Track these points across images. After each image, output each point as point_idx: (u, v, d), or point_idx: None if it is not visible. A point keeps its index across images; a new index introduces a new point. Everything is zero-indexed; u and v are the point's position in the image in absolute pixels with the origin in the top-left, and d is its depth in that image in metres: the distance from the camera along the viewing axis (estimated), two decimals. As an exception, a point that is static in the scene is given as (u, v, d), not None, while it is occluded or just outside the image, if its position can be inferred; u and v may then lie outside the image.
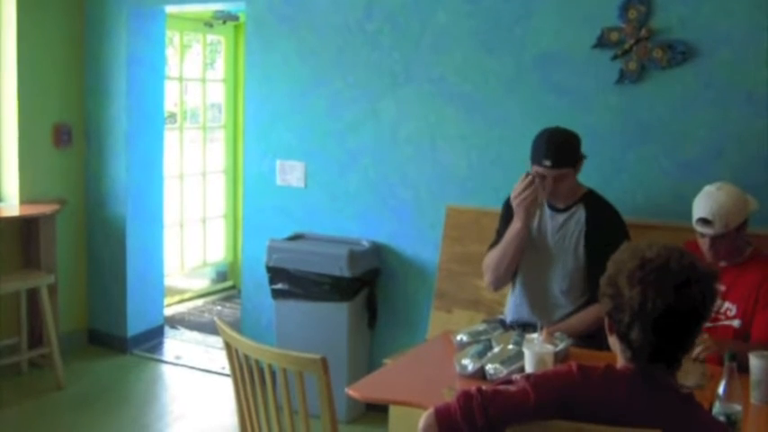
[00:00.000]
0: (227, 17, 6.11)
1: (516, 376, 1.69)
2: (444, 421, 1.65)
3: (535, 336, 2.81)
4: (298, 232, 4.43)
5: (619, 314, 1.69)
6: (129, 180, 5.09)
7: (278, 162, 4.52)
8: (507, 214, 3.33)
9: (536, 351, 2.51)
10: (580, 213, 3.18)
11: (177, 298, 6.21)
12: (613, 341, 1.75)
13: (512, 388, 1.67)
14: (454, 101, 4.00)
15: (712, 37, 3.39)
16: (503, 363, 2.62)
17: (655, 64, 3.50)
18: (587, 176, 3.48)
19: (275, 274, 4.24)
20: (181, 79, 6.04)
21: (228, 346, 2.32)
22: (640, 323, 1.65)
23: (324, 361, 2.03)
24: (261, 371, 2.23)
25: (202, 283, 6.65)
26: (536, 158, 3.11)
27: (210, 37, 6.37)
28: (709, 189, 2.93)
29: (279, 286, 4.24)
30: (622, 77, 3.58)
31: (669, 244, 1.73)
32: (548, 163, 3.06)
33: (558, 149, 3.07)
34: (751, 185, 3.35)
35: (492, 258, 3.28)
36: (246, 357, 2.24)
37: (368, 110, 4.23)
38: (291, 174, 4.49)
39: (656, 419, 1.62)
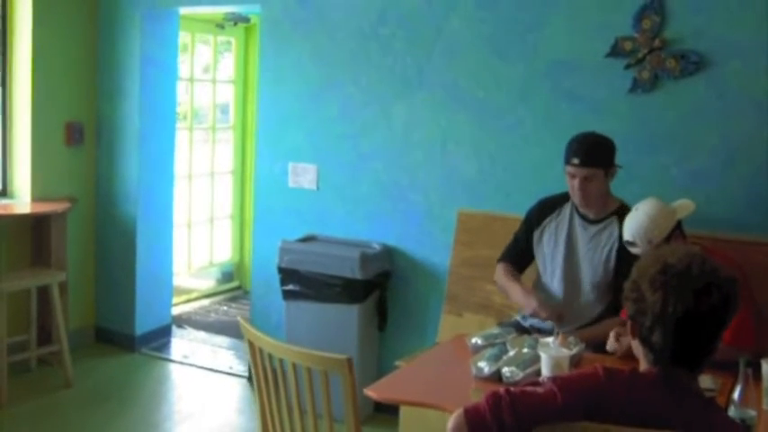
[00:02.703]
0: (238, 19, 6.15)
1: (543, 378, 1.73)
2: (474, 421, 1.69)
3: (550, 340, 2.85)
4: (309, 234, 4.47)
5: (641, 318, 1.73)
6: (140, 179, 5.12)
7: (290, 164, 4.56)
8: (529, 221, 3.39)
9: (552, 355, 2.55)
10: (613, 227, 3.19)
11: (184, 298, 6.24)
12: (636, 345, 1.79)
13: (539, 389, 1.70)
14: (466, 106, 4.04)
15: (725, 48, 3.44)
16: (518, 366, 2.65)
17: (667, 74, 3.54)
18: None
19: (287, 275, 4.27)
20: (192, 80, 6.07)
21: (252, 345, 2.35)
22: (662, 327, 1.69)
23: (350, 361, 2.07)
24: (284, 371, 2.27)
25: (208, 284, 6.68)
26: (566, 158, 3.16)
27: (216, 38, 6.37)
28: (631, 212, 3.00)
29: (290, 287, 4.27)
30: (635, 86, 3.62)
31: (692, 250, 1.77)
32: (576, 161, 3.11)
33: (588, 149, 3.12)
34: (761, 194, 3.42)
35: (500, 284, 3.41)
36: (270, 356, 2.27)
37: (380, 114, 4.27)
38: (303, 176, 4.53)
39: (679, 422, 1.65)
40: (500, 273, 3.40)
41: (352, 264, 4.08)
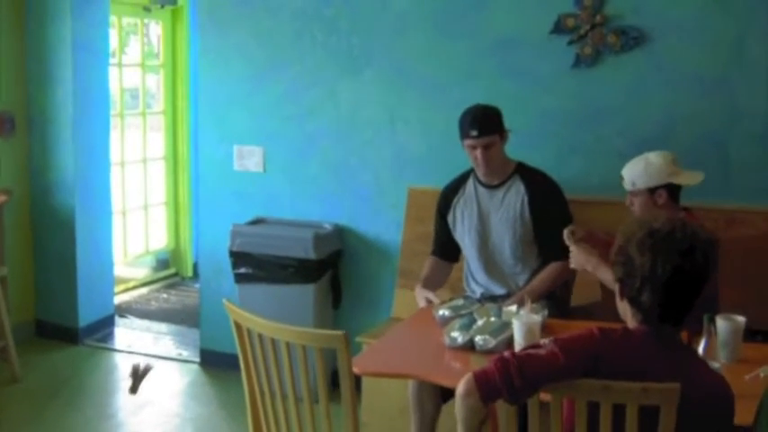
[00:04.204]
0: (165, 2, 6.04)
1: (544, 341, 1.83)
2: (484, 385, 1.77)
3: (513, 308, 2.98)
4: (257, 217, 4.46)
5: (630, 279, 1.84)
6: (76, 168, 5.00)
7: (235, 147, 4.53)
8: (439, 211, 3.55)
9: (524, 322, 2.66)
10: (518, 184, 3.40)
11: (122, 287, 6.12)
12: (623, 305, 1.91)
13: (541, 351, 1.80)
14: (414, 84, 4.10)
15: (663, 23, 3.61)
16: (490, 334, 2.76)
17: (609, 49, 3.69)
18: (545, 158, 3.68)
19: (239, 258, 4.27)
20: (120, 65, 5.94)
21: (239, 327, 2.37)
22: (650, 287, 1.81)
23: (346, 336, 2.11)
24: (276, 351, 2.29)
25: (144, 272, 6.58)
26: (464, 133, 3.34)
27: (125, 20, 6.17)
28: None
29: (242, 270, 4.27)
30: (578, 62, 3.75)
31: (671, 216, 1.90)
32: (474, 133, 3.29)
33: (482, 119, 3.32)
34: (699, 162, 3.58)
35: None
36: (260, 337, 2.29)
37: (327, 94, 4.29)
38: (249, 159, 4.51)
39: (670, 373, 1.78)
40: (424, 266, 3.59)
41: (306, 244, 4.12)
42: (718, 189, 3.59)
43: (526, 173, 3.43)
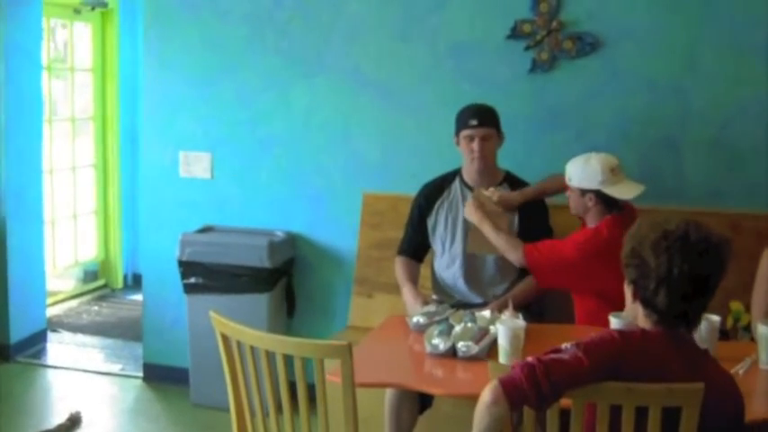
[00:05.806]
0: (95, 4, 5.82)
1: (566, 345, 1.81)
2: (512, 391, 1.74)
3: (486, 314, 2.97)
4: (206, 225, 4.33)
5: (644, 281, 1.85)
6: (7, 177, 4.75)
7: (181, 153, 4.39)
8: (419, 209, 3.49)
9: (510, 327, 2.65)
10: (507, 192, 3.39)
11: (50, 300, 5.84)
12: (635, 307, 1.91)
13: (565, 356, 1.79)
14: (369, 89, 4.06)
15: (617, 30, 3.68)
16: (472, 339, 2.74)
17: (565, 54, 3.74)
18: (503, 162, 3.68)
19: (188, 267, 4.13)
20: (50, 68, 5.68)
21: (226, 340, 2.28)
22: (666, 289, 1.82)
23: (350, 347, 2.05)
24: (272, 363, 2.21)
25: (72, 284, 6.31)
26: (463, 123, 3.36)
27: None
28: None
29: (192, 281, 4.13)
30: (535, 67, 3.79)
31: (685, 218, 1.91)
32: (474, 122, 3.31)
33: (482, 111, 3.37)
34: (655, 166, 3.69)
35: (397, 280, 3.49)
36: (252, 349, 2.20)
37: (278, 99, 4.20)
38: (196, 165, 4.37)
39: (688, 374, 1.80)
40: (398, 268, 3.52)
41: (261, 252, 4.01)
42: (672, 192, 3.69)
43: (516, 183, 3.44)
